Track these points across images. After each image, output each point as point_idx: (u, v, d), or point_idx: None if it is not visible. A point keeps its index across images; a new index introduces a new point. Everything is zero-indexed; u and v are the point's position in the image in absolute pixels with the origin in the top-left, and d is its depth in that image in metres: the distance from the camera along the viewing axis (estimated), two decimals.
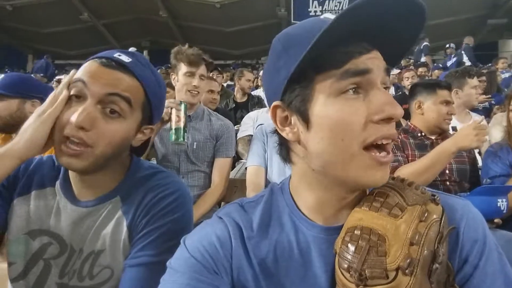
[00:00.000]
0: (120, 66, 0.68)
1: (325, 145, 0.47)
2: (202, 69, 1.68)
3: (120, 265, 0.71)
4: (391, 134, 0.46)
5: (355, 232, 0.45)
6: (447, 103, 1.75)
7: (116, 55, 0.69)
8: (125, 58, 0.69)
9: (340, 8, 8.93)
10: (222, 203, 1.89)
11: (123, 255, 0.71)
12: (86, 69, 0.67)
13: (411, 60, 6.89)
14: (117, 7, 10.29)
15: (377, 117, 0.45)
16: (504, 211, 1.45)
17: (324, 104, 0.46)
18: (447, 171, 1.70)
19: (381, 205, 0.47)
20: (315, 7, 9.03)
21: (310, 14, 8.91)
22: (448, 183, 1.68)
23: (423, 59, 7.26)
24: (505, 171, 1.55)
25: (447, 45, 7.91)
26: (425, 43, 7.63)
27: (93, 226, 0.72)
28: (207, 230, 0.56)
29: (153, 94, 0.72)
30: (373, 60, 0.46)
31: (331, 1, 8.98)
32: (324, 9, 8.97)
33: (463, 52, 7.04)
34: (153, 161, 2.34)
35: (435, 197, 0.48)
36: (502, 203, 1.45)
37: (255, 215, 0.56)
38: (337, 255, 0.47)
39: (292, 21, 8.86)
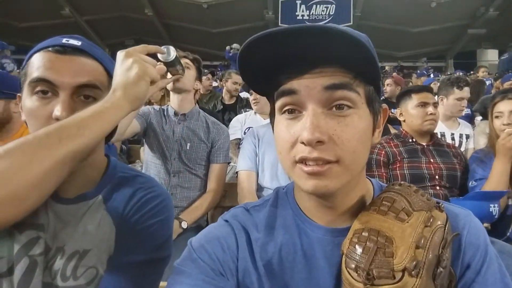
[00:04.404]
0: (76, 51, 0.67)
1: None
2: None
3: (105, 264, 0.69)
4: (309, 157, 0.46)
5: (363, 233, 0.46)
6: (424, 104, 1.77)
7: (64, 41, 0.68)
8: (75, 42, 0.68)
9: (326, 13, 9.03)
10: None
11: (108, 254, 0.69)
12: (42, 62, 0.65)
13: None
14: (101, 3, 10.03)
15: (299, 139, 0.47)
16: (496, 216, 1.48)
17: (276, 121, 0.52)
18: (436, 177, 1.71)
19: (388, 209, 0.48)
20: (302, 11, 9.10)
21: (298, 18, 8.97)
22: (438, 187, 1.70)
23: None
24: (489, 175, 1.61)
25: None
26: None
27: (76, 225, 0.69)
28: (214, 233, 0.57)
29: (113, 71, 0.73)
30: (302, 82, 0.47)
31: (318, 6, 9.07)
32: (311, 13, 9.05)
33: None
34: (136, 165, 2.24)
35: (440, 204, 0.50)
36: (494, 208, 1.49)
37: (261, 218, 0.57)
38: (344, 256, 0.47)
39: (280, 24, 8.89)
